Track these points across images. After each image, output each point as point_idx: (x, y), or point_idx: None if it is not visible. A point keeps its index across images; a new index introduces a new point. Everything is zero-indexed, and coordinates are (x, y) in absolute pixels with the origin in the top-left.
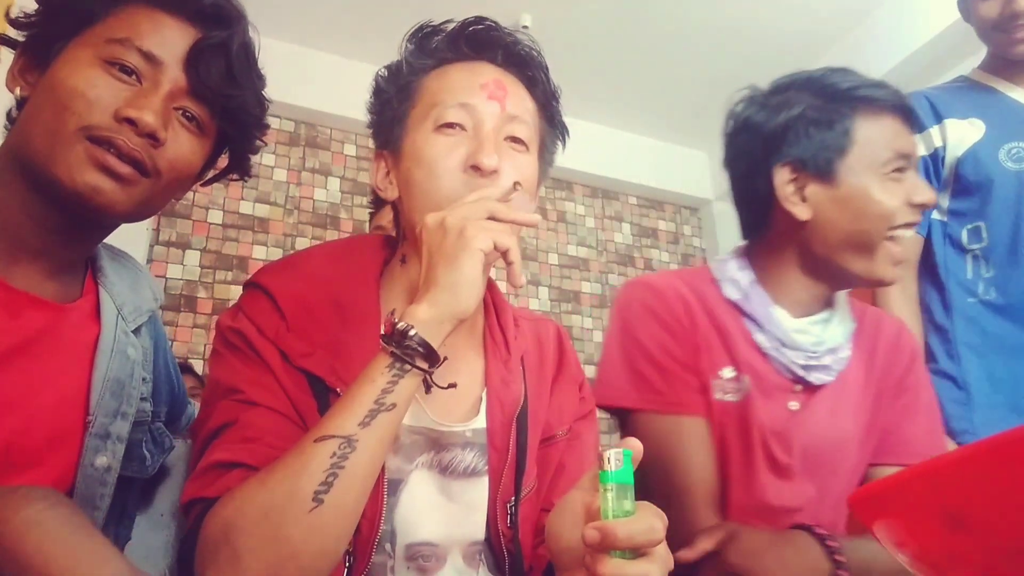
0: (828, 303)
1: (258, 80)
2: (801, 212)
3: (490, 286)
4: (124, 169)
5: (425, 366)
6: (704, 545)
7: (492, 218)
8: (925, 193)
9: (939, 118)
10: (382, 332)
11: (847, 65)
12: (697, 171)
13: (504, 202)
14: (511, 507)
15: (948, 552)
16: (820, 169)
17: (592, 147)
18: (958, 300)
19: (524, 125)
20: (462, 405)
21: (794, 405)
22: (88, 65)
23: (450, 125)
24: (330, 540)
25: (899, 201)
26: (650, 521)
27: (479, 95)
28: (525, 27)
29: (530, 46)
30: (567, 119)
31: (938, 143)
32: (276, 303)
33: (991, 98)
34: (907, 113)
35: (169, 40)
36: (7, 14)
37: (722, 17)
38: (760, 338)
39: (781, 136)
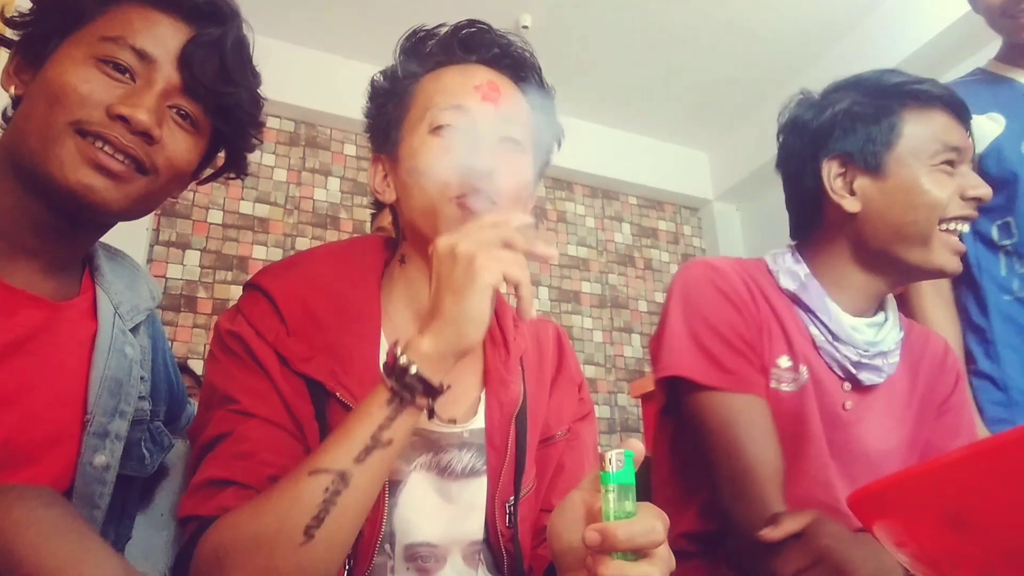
0: (881, 305)
1: (253, 78)
2: (850, 205)
3: None
4: (117, 166)
5: (425, 402)
6: (790, 526)
7: (507, 246)
8: (979, 187)
9: None
10: (383, 362)
11: (849, 66)
12: (697, 171)
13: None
14: (510, 507)
15: (948, 552)
16: (868, 162)
17: (592, 147)
18: (994, 298)
19: (518, 126)
20: (461, 406)
21: (849, 404)
22: (81, 63)
23: (445, 127)
24: (319, 573)
25: (949, 193)
26: (651, 522)
27: (473, 97)
28: (525, 27)
29: (523, 47)
30: (567, 119)
31: None
32: (276, 306)
33: (1010, 90)
34: (958, 108)
35: (162, 38)
36: (2, 14)
37: (722, 17)
38: (814, 331)
39: (828, 131)
